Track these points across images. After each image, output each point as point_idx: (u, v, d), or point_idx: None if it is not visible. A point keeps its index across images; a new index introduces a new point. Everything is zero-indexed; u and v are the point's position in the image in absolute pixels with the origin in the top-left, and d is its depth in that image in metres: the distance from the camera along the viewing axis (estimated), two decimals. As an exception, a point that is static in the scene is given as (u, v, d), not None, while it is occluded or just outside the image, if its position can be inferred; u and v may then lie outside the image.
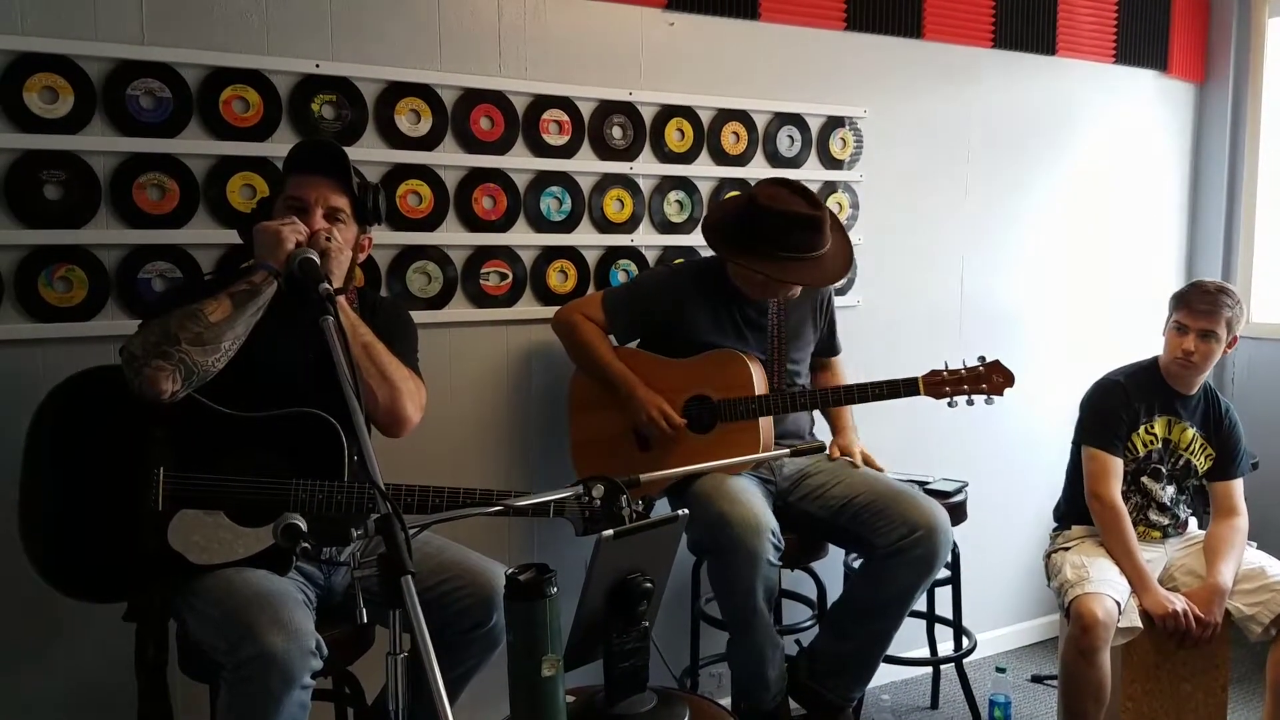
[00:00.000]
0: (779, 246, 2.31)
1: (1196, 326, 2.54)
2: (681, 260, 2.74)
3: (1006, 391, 2.39)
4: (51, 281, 2.10)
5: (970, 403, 2.39)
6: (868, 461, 2.54)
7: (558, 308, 2.61)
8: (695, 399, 2.41)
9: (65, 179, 2.09)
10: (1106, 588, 2.42)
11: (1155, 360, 2.66)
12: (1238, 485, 2.63)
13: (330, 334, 1.53)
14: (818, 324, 2.62)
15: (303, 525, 1.51)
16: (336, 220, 1.92)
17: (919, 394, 2.38)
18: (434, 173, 2.46)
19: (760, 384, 2.40)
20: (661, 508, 2.49)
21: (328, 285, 1.67)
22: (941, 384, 2.39)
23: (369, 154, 2.37)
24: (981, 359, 2.40)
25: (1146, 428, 2.62)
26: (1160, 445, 2.63)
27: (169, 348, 1.72)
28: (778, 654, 2.36)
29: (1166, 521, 2.65)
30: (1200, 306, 2.54)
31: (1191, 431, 2.63)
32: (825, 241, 2.35)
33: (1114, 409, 2.62)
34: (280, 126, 2.28)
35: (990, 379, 2.37)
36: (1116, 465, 2.58)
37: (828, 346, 2.70)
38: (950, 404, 2.39)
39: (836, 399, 2.46)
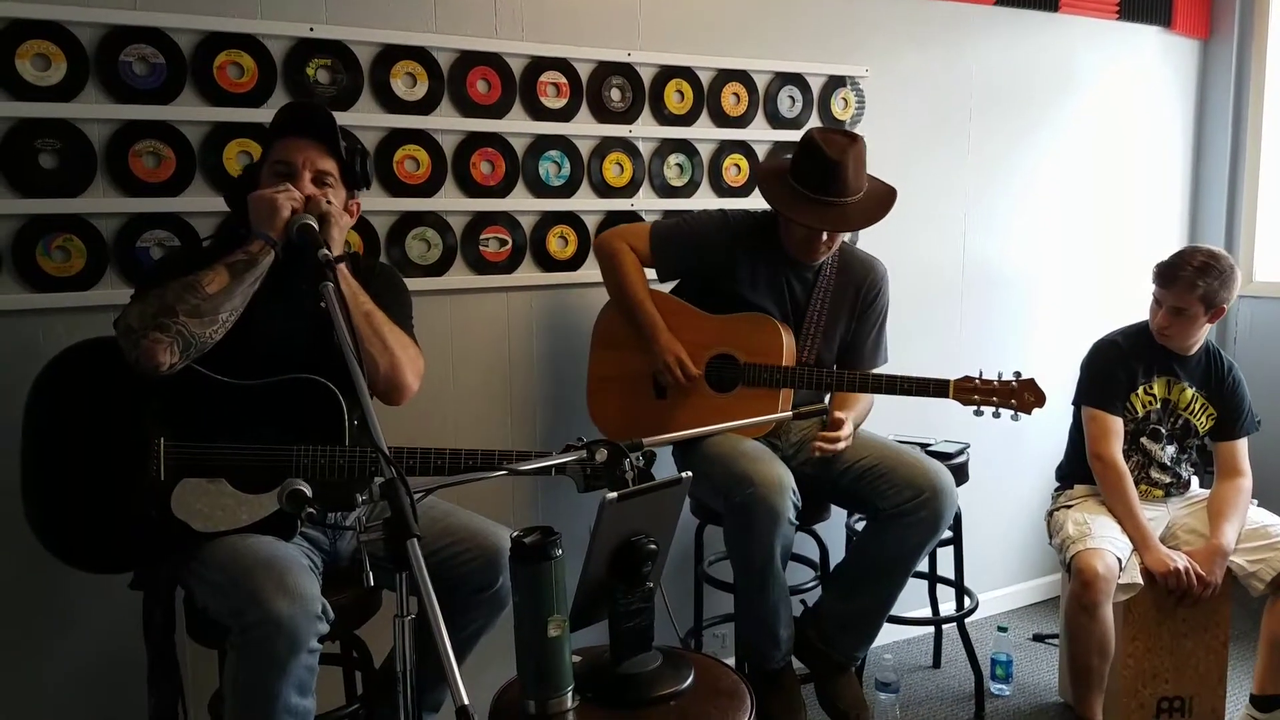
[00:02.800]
0: (801, 183, 2.30)
1: (1167, 303, 2.54)
2: (739, 210, 2.63)
3: (1036, 412, 2.31)
4: (49, 251, 2.09)
5: (996, 415, 2.32)
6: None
7: (560, 271, 2.61)
8: (721, 356, 2.40)
9: (60, 147, 2.08)
10: (1107, 544, 2.43)
11: None
12: (1241, 445, 2.64)
13: (330, 300, 1.52)
14: (851, 316, 2.52)
15: (307, 491, 1.52)
16: (325, 184, 1.90)
17: (947, 396, 2.33)
18: (431, 137, 2.44)
19: (789, 355, 2.38)
20: (666, 462, 2.49)
21: (327, 251, 1.66)
22: (971, 391, 2.33)
23: (365, 119, 2.35)
24: (1017, 374, 2.33)
25: (1145, 388, 2.63)
26: (1159, 406, 2.64)
27: (166, 319, 1.71)
28: (789, 613, 2.38)
29: (1168, 480, 2.66)
30: (1172, 285, 2.53)
31: (1191, 391, 2.63)
32: (848, 190, 2.31)
33: (1111, 369, 2.62)
34: (275, 92, 2.25)
35: (1021, 396, 2.30)
36: (1117, 425, 2.59)
37: (853, 354, 2.54)
38: (977, 413, 2.34)
39: (864, 385, 2.39)
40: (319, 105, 1.97)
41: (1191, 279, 2.50)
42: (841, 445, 2.35)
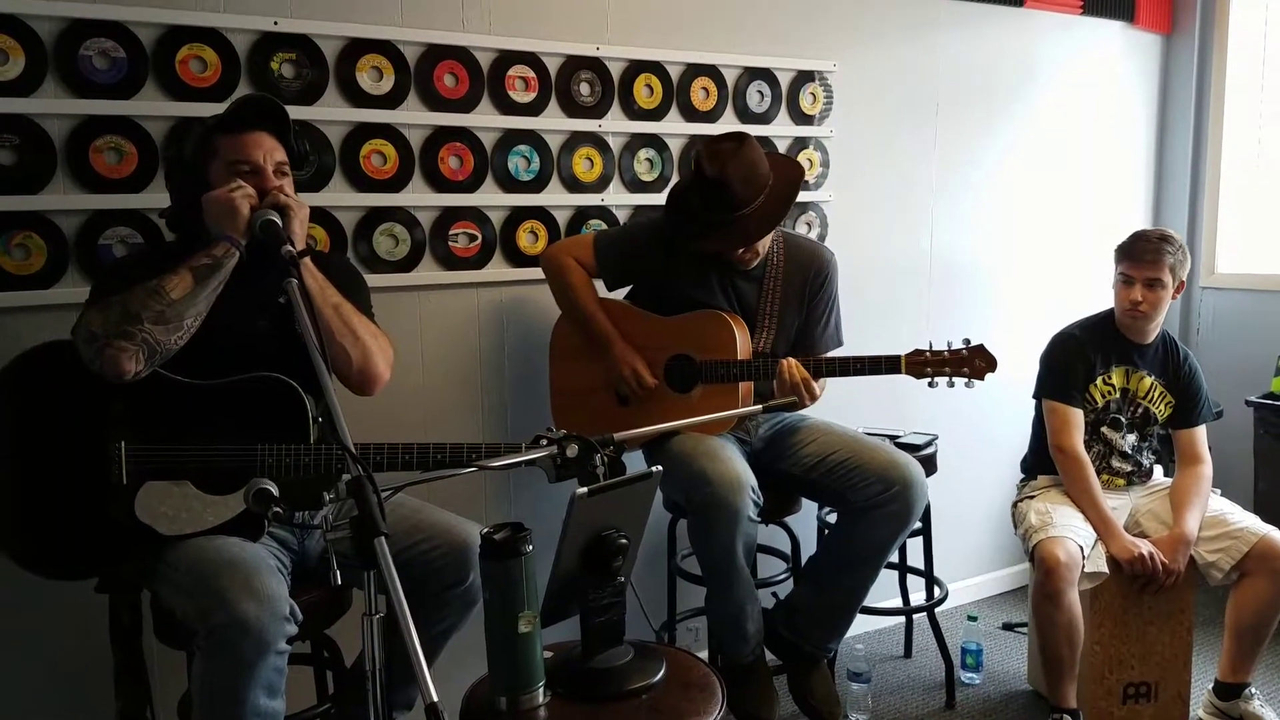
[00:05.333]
0: (704, 208, 2.29)
1: (1141, 276, 2.58)
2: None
3: (988, 376, 2.33)
4: (9, 249, 2.05)
5: (951, 384, 2.35)
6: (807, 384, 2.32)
7: (530, 267, 2.60)
8: (678, 358, 2.40)
9: (19, 143, 2.04)
10: (1069, 532, 2.47)
11: (1111, 312, 2.70)
12: (1200, 433, 2.68)
13: (295, 297, 1.51)
14: (801, 305, 2.50)
15: (273, 490, 1.50)
16: (283, 174, 1.88)
17: (900, 372, 2.34)
18: (398, 132, 2.42)
19: (743, 348, 2.38)
20: (636, 463, 2.50)
21: (290, 247, 1.65)
22: (923, 364, 2.34)
23: (331, 113, 2.33)
24: (966, 341, 2.35)
25: (1104, 378, 2.66)
26: (1118, 395, 2.67)
27: (131, 327, 1.68)
28: (755, 608, 2.39)
29: (1130, 469, 2.70)
30: (1143, 257, 2.57)
31: (1149, 380, 2.67)
32: (744, 201, 2.28)
33: (1070, 361, 2.66)
34: (239, 86, 2.22)
35: (972, 362, 2.32)
36: (1076, 416, 2.62)
37: (805, 341, 2.52)
38: (930, 384, 2.35)
39: (817, 371, 2.38)
40: (269, 96, 1.90)
41: (1159, 247, 2.57)
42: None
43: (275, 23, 2.24)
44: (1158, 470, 2.78)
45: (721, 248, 2.33)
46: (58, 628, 2.14)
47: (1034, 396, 2.74)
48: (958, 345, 2.35)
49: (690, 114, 2.81)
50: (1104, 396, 2.67)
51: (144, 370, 1.72)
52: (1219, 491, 2.68)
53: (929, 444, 2.79)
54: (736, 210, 2.29)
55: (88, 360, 1.70)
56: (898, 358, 2.34)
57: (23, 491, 1.75)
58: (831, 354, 2.51)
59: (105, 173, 2.12)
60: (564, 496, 1.55)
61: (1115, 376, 2.67)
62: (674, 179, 2.80)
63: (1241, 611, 2.49)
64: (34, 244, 2.07)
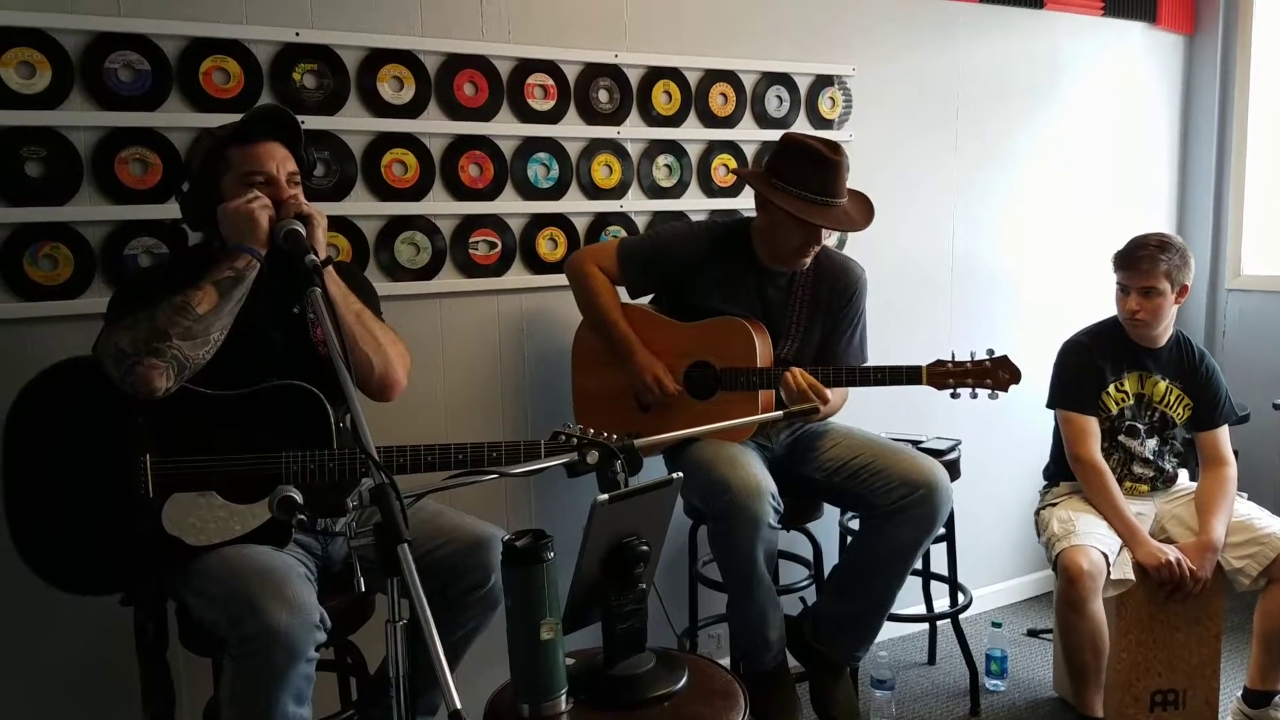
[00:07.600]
0: (805, 187, 2.27)
1: (1136, 285, 2.55)
2: (709, 218, 2.60)
3: (1012, 388, 2.29)
4: (36, 260, 2.08)
5: (974, 395, 2.31)
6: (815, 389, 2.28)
7: (550, 274, 2.61)
8: (698, 365, 2.40)
9: (46, 155, 2.06)
10: (1092, 540, 2.44)
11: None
12: (1223, 434, 2.64)
13: (319, 306, 1.52)
14: (827, 317, 2.49)
15: (298, 497, 1.51)
16: (295, 184, 1.88)
17: (921, 383, 2.31)
18: (419, 141, 2.43)
19: (764, 357, 2.37)
20: (657, 469, 2.49)
21: (314, 257, 1.66)
22: (945, 375, 2.31)
23: (352, 123, 2.34)
24: (990, 352, 2.31)
25: (1116, 385, 2.63)
26: (1133, 402, 2.64)
27: (160, 344, 1.69)
28: (778, 614, 2.38)
29: (1151, 474, 2.67)
30: (1137, 266, 2.54)
31: (1164, 384, 2.64)
32: (843, 191, 2.30)
33: (1079, 369, 2.64)
34: (261, 97, 2.24)
35: (996, 374, 2.28)
36: (1091, 425, 2.60)
37: (828, 355, 2.50)
38: (953, 395, 2.32)
39: (838, 380, 2.37)
40: (281, 107, 1.92)
41: (1154, 255, 2.53)
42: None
43: (297, 34, 2.26)
44: (1183, 474, 2.75)
45: (830, 225, 2.32)
46: (83, 638, 2.16)
47: (1047, 406, 2.71)
48: (981, 356, 2.31)
49: (709, 120, 2.81)
50: (1118, 404, 2.64)
51: (174, 386, 1.73)
52: (1245, 495, 2.65)
53: (952, 449, 2.77)
54: (840, 197, 2.29)
55: (117, 379, 1.71)
56: (919, 368, 2.32)
57: (48, 506, 1.76)
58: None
59: (130, 184, 2.15)
60: (585, 502, 1.55)
61: (1128, 383, 2.64)
62: (693, 184, 2.80)
63: (1269, 618, 2.46)
64: (61, 254, 2.10)
